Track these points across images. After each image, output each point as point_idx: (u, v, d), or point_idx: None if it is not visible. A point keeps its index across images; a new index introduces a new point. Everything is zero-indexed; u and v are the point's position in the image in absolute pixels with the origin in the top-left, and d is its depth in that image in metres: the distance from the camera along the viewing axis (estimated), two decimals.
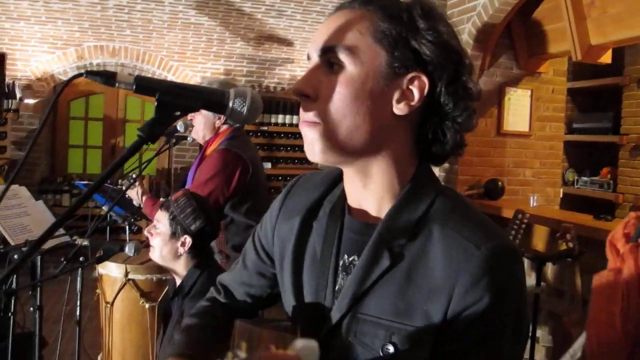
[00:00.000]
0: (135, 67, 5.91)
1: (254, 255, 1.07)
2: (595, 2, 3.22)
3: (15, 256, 2.08)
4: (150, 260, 2.35)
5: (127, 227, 3.10)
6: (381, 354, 0.80)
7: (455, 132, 0.84)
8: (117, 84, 0.79)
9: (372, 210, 0.88)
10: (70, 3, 4.93)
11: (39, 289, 2.14)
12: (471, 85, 0.84)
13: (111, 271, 2.59)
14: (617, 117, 5.16)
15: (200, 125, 2.70)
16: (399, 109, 0.82)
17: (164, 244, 1.94)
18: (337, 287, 0.87)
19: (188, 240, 1.93)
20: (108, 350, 2.66)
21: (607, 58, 3.45)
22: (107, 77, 0.79)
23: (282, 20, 5.41)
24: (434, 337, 0.79)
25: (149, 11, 5.12)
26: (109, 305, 2.61)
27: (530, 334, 2.81)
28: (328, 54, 0.82)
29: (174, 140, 2.88)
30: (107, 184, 2.80)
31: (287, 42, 5.87)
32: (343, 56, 0.81)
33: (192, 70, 6.02)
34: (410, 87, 0.82)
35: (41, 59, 5.57)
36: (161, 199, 2.69)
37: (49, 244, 2.24)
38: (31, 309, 2.17)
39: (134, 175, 2.77)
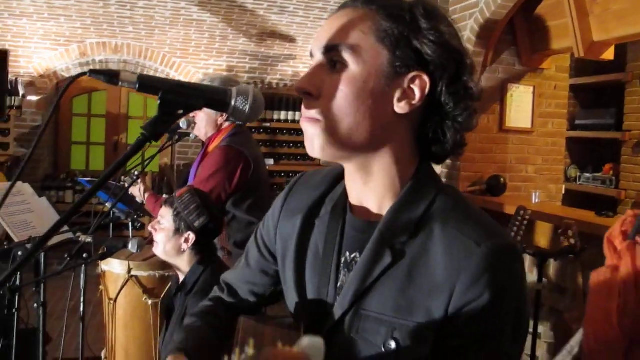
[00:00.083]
0: (138, 63, 5.90)
1: (256, 253, 1.08)
2: None
3: (20, 253, 2.08)
4: (153, 256, 2.36)
5: (130, 223, 3.11)
6: (383, 350, 0.81)
7: (455, 132, 0.85)
8: (120, 83, 0.79)
9: (374, 208, 0.88)
10: (72, 0, 4.93)
11: (42, 285, 2.15)
12: (472, 85, 0.84)
13: (114, 268, 2.60)
14: (620, 113, 5.14)
15: (203, 122, 2.70)
16: (400, 107, 0.82)
17: (168, 240, 1.95)
18: (339, 284, 0.88)
19: (192, 236, 1.93)
20: (111, 346, 2.68)
21: (609, 54, 3.43)
22: (111, 77, 0.79)
23: (285, 16, 5.41)
24: (435, 333, 0.79)
25: (152, 8, 5.12)
26: (112, 302, 2.62)
27: (531, 330, 2.83)
28: (331, 52, 0.83)
29: (176, 137, 2.89)
30: (110, 180, 2.80)
31: (289, 39, 5.86)
32: (346, 55, 0.81)
33: (194, 66, 6.01)
34: (412, 86, 0.82)
35: (44, 55, 5.57)
36: (164, 196, 2.70)
37: (53, 240, 2.25)
38: (35, 305, 2.17)
39: (136, 173, 2.78)
